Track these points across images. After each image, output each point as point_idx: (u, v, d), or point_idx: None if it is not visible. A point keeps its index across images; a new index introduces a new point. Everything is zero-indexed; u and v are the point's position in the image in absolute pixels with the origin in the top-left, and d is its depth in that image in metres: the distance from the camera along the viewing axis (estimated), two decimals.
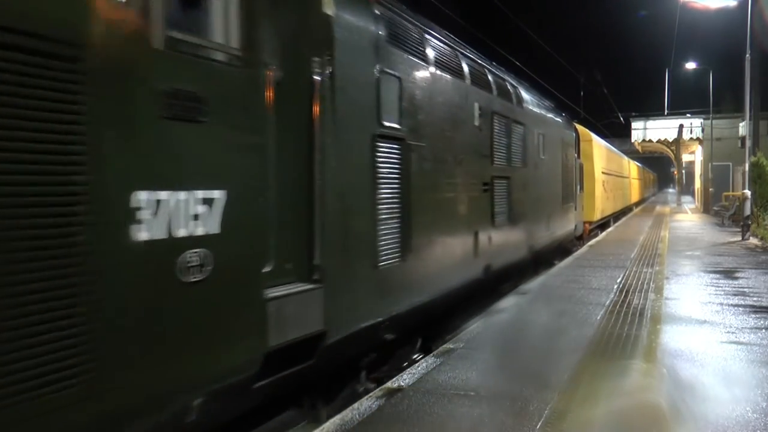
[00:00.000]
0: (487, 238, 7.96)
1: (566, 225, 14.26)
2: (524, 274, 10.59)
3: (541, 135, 11.17)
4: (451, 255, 6.80)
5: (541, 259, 11.84)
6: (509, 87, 9.57)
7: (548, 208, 11.93)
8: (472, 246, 7.49)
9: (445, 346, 5.82)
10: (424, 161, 5.97)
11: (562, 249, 14.46)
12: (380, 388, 4.65)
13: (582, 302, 7.77)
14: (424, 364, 5.18)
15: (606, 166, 22.93)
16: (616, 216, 27.26)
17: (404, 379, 4.81)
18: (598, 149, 21.10)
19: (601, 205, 20.66)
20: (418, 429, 3.82)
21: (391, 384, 4.71)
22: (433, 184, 6.27)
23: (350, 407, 4.23)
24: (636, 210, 36.18)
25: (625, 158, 34.49)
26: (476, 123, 7.59)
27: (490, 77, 8.52)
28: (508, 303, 7.95)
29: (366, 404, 4.25)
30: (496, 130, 8.34)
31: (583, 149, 18.07)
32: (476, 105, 7.60)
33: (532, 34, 25.93)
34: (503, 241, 8.72)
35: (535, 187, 10.66)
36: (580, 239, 17.10)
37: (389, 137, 5.22)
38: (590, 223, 18.86)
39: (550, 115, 12.64)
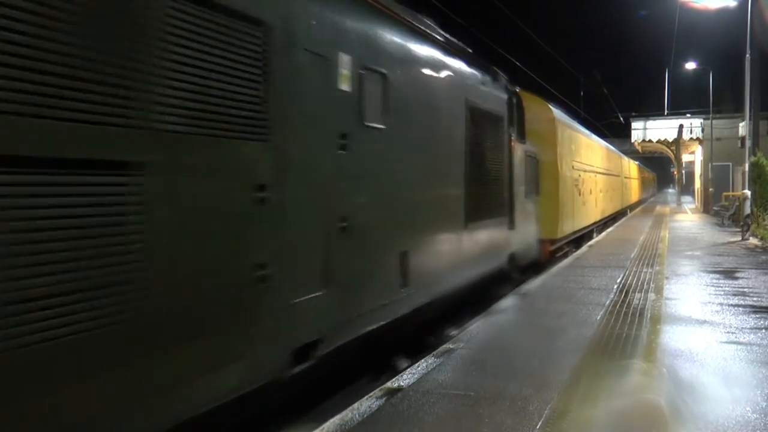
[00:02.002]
0: None
1: (484, 261, 8.08)
2: None
3: (380, 78, 5.30)
4: None
5: (372, 357, 5.70)
6: None
7: (412, 240, 5.85)
8: None
9: (445, 346, 5.82)
10: None
11: (475, 302, 8.06)
12: (380, 388, 4.64)
13: (582, 302, 7.77)
14: (424, 364, 5.18)
15: (583, 160, 17.25)
16: (605, 223, 22.45)
17: (404, 379, 4.81)
18: (567, 134, 14.96)
19: (571, 214, 14.96)
20: (418, 429, 3.82)
21: (391, 384, 4.71)
22: None
23: (350, 407, 4.23)
24: (635, 211, 36.06)
25: (617, 153, 30.80)
26: None
27: None
28: (508, 303, 7.95)
29: (366, 404, 4.25)
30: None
31: (539, 132, 12.26)
32: None
33: (532, 34, 25.94)
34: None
35: (340, 197, 4.68)
36: (524, 272, 10.47)
37: None
38: (553, 241, 12.96)
39: (425, 50, 6.32)
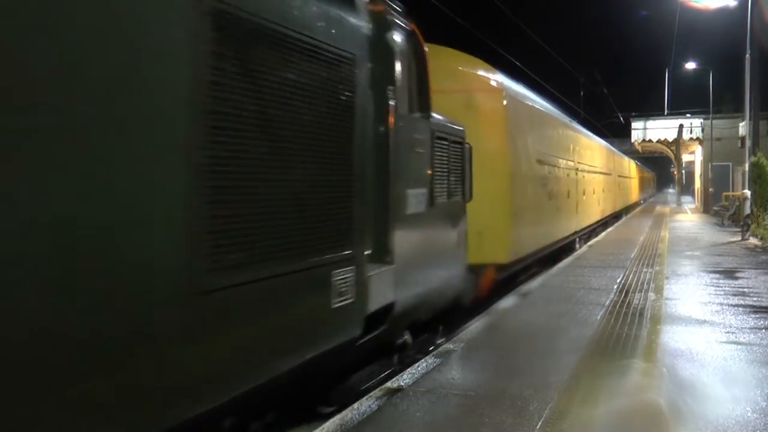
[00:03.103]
0: None
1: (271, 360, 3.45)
2: None
3: None
4: None
5: None
6: None
7: None
8: None
9: (445, 346, 5.82)
10: None
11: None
12: (380, 388, 4.64)
13: (582, 302, 7.77)
14: (424, 364, 5.18)
15: (556, 152, 13.14)
16: (594, 230, 19.04)
17: (404, 379, 4.81)
18: (527, 115, 10.99)
19: (534, 224, 10.82)
20: (418, 429, 3.82)
21: (391, 384, 4.71)
22: None
23: (350, 407, 4.23)
24: (635, 211, 36.01)
25: (611, 148, 27.05)
26: None
27: None
28: (508, 303, 7.95)
29: (366, 404, 4.25)
30: None
31: (478, 109, 8.96)
32: None
33: (532, 34, 25.94)
34: None
35: None
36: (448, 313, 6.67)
37: None
38: (501, 266, 8.96)
39: None
